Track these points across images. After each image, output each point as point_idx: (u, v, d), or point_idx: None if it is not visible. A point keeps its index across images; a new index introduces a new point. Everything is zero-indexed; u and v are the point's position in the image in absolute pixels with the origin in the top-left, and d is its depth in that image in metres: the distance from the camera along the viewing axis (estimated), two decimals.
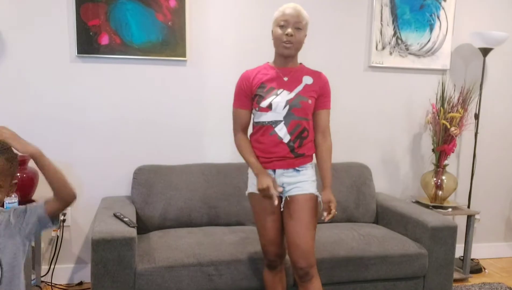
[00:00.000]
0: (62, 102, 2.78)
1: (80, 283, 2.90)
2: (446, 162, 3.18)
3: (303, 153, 2.01)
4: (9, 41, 2.68)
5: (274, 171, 2.01)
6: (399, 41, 3.22)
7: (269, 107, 1.98)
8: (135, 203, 2.69)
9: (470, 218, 3.13)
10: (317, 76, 2.06)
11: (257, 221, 2.10)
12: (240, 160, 2.21)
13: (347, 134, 3.24)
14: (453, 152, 3.17)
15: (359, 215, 2.98)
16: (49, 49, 2.73)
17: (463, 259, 3.19)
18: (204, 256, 2.29)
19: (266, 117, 2.00)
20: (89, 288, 2.29)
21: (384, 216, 2.95)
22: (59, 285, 2.85)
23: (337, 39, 3.16)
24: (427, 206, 3.06)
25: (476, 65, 3.40)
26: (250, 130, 2.12)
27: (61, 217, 2.81)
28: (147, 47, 2.82)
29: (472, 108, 3.31)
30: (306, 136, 2.02)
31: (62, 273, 2.88)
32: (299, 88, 2.00)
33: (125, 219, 2.32)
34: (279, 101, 1.97)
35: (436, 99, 3.22)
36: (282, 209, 2.03)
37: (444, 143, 3.13)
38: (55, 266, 2.85)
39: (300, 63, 2.09)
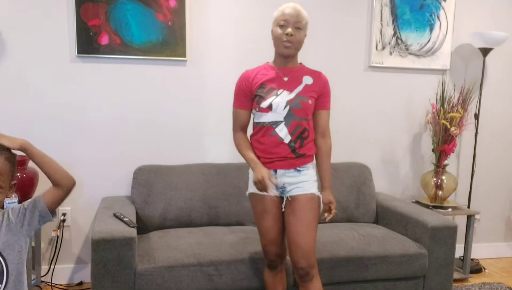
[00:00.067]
0: (62, 102, 2.78)
1: (80, 283, 2.90)
2: (446, 162, 3.18)
3: (304, 153, 2.01)
4: (9, 41, 2.68)
5: (276, 171, 2.01)
6: (399, 41, 3.22)
7: (270, 107, 1.98)
8: (135, 203, 2.69)
9: (470, 218, 3.13)
10: (317, 76, 2.06)
11: (257, 221, 2.10)
12: (240, 160, 2.21)
13: (347, 134, 3.24)
14: (453, 152, 3.17)
15: (359, 215, 2.98)
16: (49, 49, 2.73)
17: (463, 259, 3.19)
18: (204, 256, 2.29)
19: (266, 118, 2.00)
20: (89, 288, 2.29)
21: (384, 216, 2.95)
22: (59, 285, 2.85)
23: (337, 39, 3.16)
24: (427, 206, 3.06)
25: (476, 65, 3.40)
26: (249, 129, 2.12)
27: (61, 217, 2.82)
28: (147, 47, 2.82)
29: (472, 108, 3.31)
30: (307, 136, 2.02)
31: (62, 273, 2.88)
32: (299, 88, 2.00)
33: (125, 219, 2.32)
34: (279, 101, 1.97)
35: (436, 99, 3.22)
36: (283, 209, 2.04)
37: (444, 143, 3.13)
38: (55, 266, 2.85)
39: (300, 63, 2.09)
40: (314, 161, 2.11)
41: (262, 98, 1.99)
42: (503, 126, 3.54)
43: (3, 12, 2.65)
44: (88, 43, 2.74)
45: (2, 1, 2.64)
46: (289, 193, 2.01)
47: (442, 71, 3.35)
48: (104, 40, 2.76)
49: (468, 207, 3.36)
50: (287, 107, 1.97)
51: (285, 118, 1.97)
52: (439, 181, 3.15)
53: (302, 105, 1.98)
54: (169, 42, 2.84)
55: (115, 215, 2.39)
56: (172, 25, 2.83)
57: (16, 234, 1.37)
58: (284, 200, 2.03)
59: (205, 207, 2.75)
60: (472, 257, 3.36)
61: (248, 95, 2.05)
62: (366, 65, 3.23)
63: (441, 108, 3.13)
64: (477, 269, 3.28)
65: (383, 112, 3.30)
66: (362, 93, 3.25)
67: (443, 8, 3.26)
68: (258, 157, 2.02)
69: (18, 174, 2.43)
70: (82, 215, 2.88)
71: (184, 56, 2.88)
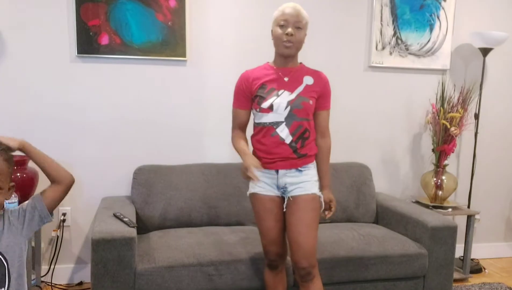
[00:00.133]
0: (62, 102, 2.78)
1: (80, 283, 2.90)
2: (446, 162, 3.18)
3: (305, 154, 2.01)
4: (9, 41, 2.68)
5: (277, 171, 2.01)
6: (399, 41, 3.22)
7: (270, 108, 1.97)
8: (135, 203, 2.69)
9: (470, 218, 3.13)
10: (317, 76, 2.06)
11: (258, 222, 2.10)
12: (240, 160, 2.21)
13: (347, 134, 3.24)
14: (453, 152, 3.17)
15: (359, 215, 2.97)
16: (49, 49, 2.73)
17: (463, 259, 3.19)
18: (204, 256, 2.29)
19: (267, 118, 1.99)
20: (89, 288, 2.29)
21: (384, 216, 2.95)
22: (59, 285, 2.85)
23: (337, 39, 3.16)
24: (427, 206, 3.06)
25: (476, 65, 3.40)
26: (249, 129, 2.12)
27: (61, 217, 2.82)
28: (147, 47, 2.82)
29: (472, 108, 3.31)
30: (308, 136, 2.02)
31: (62, 273, 2.88)
32: (300, 88, 2.00)
33: (125, 219, 2.32)
34: (280, 102, 1.97)
35: (436, 99, 3.22)
36: (284, 210, 2.04)
37: (444, 143, 3.13)
38: (55, 266, 2.85)
39: (300, 63, 2.09)
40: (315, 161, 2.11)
41: (263, 99, 1.99)
42: (503, 126, 3.54)
43: (3, 12, 2.65)
44: (88, 43, 2.74)
45: (2, 1, 2.64)
46: (290, 193, 2.01)
47: (442, 71, 3.35)
48: (104, 40, 2.76)
49: (468, 207, 3.36)
50: (288, 108, 1.96)
51: (286, 118, 1.97)
52: (439, 181, 3.15)
53: (303, 105, 1.98)
54: (169, 42, 2.84)
55: (115, 215, 2.39)
56: (172, 25, 2.83)
57: (16, 237, 1.38)
58: (286, 200, 2.03)
59: (205, 207, 2.74)
60: (472, 257, 3.36)
61: (248, 95, 2.05)
62: (366, 65, 3.23)
63: (441, 108, 3.13)
64: (477, 269, 3.28)
65: (383, 112, 3.30)
66: (362, 93, 3.25)
67: (443, 8, 3.26)
68: (260, 158, 2.02)
69: (18, 174, 2.43)
70: (82, 215, 2.88)
71: (184, 56, 2.88)
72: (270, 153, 2.00)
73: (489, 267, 3.38)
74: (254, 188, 2.05)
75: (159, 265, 2.21)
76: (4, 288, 1.34)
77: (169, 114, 2.94)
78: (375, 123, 3.29)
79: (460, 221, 3.31)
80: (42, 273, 2.81)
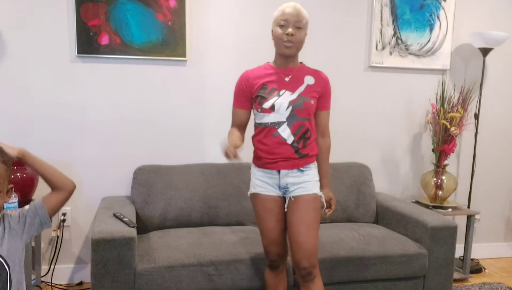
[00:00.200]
0: (62, 102, 2.78)
1: (80, 283, 2.90)
2: (446, 162, 3.18)
3: (307, 154, 2.01)
4: (9, 41, 2.68)
5: (279, 171, 2.01)
6: (399, 41, 3.22)
7: (272, 108, 1.97)
8: (135, 203, 2.69)
9: (470, 218, 3.13)
10: (318, 75, 2.06)
11: (259, 222, 2.10)
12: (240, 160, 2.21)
13: (347, 134, 3.24)
14: (453, 152, 3.17)
15: (359, 215, 2.97)
16: (49, 49, 2.73)
17: (463, 259, 3.19)
18: (204, 256, 2.29)
19: (268, 118, 1.99)
20: (89, 288, 2.29)
21: (384, 216, 2.95)
22: (59, 285, 2.85)
23: (337, 39, 3.16)
24: (427, 206, 3.06)
25: (476, 65, 3.40)
26: (250, 129, 2.12)
27: (61, 217, 2.82)
28: (147, 47, 2.82)
29: (472, 108, 3.31)
30: (309, 136, 2.02)
31: (62, 273, 2.88)
32: (301, 88, 2.00)
33: (125, 219, 2.32)
34: (281, 102, 1.97)
35: (436, 99, 3.22)
36: (286, 210, 2.04)
37: (444, 143, 3.13)
38: (55, 266, 2.85)
39: (301, 62, 2.09)
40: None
41: (264, 99, 1.99)
42: (503, 126, 3.54)
43: (3, 12, 2.65)
44: (88, 43, 2.74)
45: (2, 1, 2.64)
46: (292, 193, 2.01)
47: (442, 71, 3.35)
48: (104, 40, 2.76)
49: (468, 207, 3.36)
50: (290, 108, 1.96)
51: (287, 118, 1.97)
52: (439, 181, 3.15)
53: (304, 105, 1.98)
54: (169, 42, 2.84)
55: (115, 215, 2.39)
56: (172, 25, 2.83)
57: (17, 241, 1.37)
58: (287, 200, 2.03)
59: (205, 207, 2.74)
60: (472, 257, 3.36)
61: (248, 95, 2.05)
62: (366, 65, 3.23)
63: (441, 108, 3.13)
64: (477, 269, 3.28)
65: (383, 112, 3.30)
66: (362, 93, 3.25)
67: (443, 8, 3.26)
68: (261, 158, 2.02)
69: (18, 174, 2.43)
70: (82, 215, 2.88)
71: (184, 56, 2.88)
72: (271, 153, 2.00)
73: (489, 267, 3.38)
74: (256, 188, 2.05)
75: (159, 265, 2.21)
76: None
77: (169, 114, 2.94)
78: (375, 123, 3.29)
79: (460, 221, 3.31)
80: (42, 273, 2.81)
